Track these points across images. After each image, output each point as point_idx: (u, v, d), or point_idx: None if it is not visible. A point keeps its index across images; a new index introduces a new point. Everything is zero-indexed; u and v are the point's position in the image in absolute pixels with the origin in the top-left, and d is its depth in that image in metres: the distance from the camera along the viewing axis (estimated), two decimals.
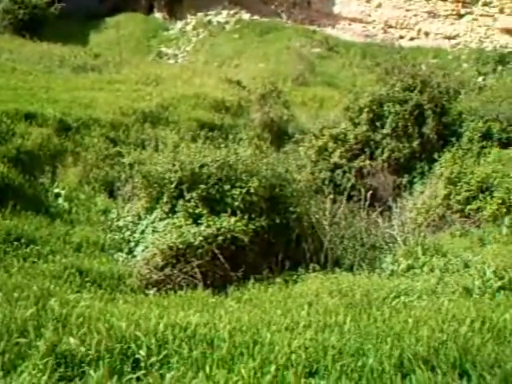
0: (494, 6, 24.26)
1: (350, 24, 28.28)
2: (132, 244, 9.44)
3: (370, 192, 12.19)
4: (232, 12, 30.39)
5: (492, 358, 4.26)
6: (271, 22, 29.51)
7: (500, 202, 12.07)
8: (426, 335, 4.58)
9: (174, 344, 4.41)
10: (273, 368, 4.09)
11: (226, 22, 30.13)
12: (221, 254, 8.26)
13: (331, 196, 10.90)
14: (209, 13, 31.42)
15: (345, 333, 4.81)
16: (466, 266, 7.85)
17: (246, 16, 30.07)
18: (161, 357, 4.22)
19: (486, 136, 14.09)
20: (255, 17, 29.92)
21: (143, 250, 8.96)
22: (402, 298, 6.30)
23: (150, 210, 9.60)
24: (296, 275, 8.26)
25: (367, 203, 11.52)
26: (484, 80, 21.42)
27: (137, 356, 4.20)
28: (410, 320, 5.04)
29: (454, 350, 4.30)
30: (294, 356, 4.29)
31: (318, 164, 14.21)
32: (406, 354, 4.29)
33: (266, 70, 23.58)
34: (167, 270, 8.25)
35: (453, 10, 25.27)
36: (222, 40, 29.17)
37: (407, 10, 26.51)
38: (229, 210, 8.77)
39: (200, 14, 31.68)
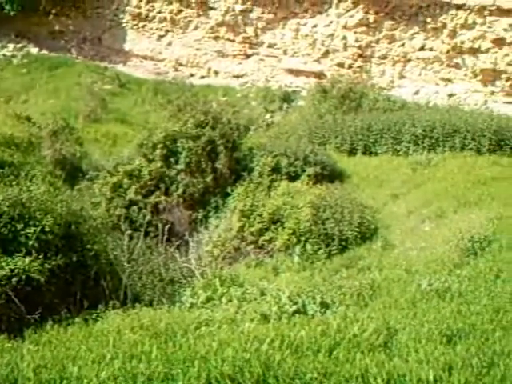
0: (278, 48, 25.66)
1: (141, 61, 28.48)
2: None
3: (167, 227, 12.32)
4: (19, 46, 29.41)
5: (292, 370, 4.54)
6: (61, 57, 28.92)
7: (291, 232, 12.73)
8: (231, 355, 4.75)
9: None
10: None
11: (13, 56, 29.09)
12: (15, 296, 7.90)
13: (128, 232, 10.86)
14: None
15: (152, 360, 4.84)
16: (263, 293, 8.17)
17: (34, 50, 29.22)
18: None
19: (275, 170, 14.83)
20: (44, 51, 29.17)
21: None
22: (203, 328, 6.41)
23: None
24: (96, 314, 8.09)
25: (164, 238, 11.62)
26: (271, 117, 22.53)
27: None
28: (215, 343, 5.18)
29: (258, 367, 4.52)
30: None
31: (113, 201, 14.08)
32: (214, 374, 4.42)
33: (56, 105, 23.01)
34: None
35: (240, 50, 26.38)
36: (9, 74, 28.07)
37: (197, 49, 27.25)
38: (23, 250, 8.42)
39: None
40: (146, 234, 12.21)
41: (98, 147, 19.07)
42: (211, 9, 26.44)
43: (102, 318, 7.91)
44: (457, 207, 12.26)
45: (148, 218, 13.68)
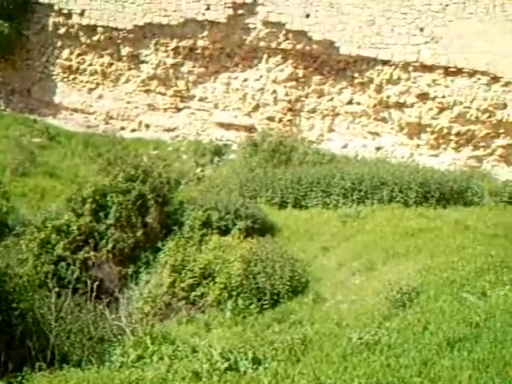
0: (209, 102, 25.91)
1: (71, 114, 28.27)
2: None
3: (96, 284, 12.07)
4: None
5: None
6: None
7: (222, 287, 12.66)
8: None
9: None
10: None
11: None
12: None
13: (56, 290, 10.59)
14: None
15: None
16: (194, 350, 8.07)
17: None
18: None
19: (206, 224, 14.80)
20: None
21: None
22: None
23: None
24: (21, 376, 7.82)
25: (94, 295, 11.38)
26: (202, 171, 22.60)
27: None
28: None
29: None
30: None
31: (40, 257, 13.71)
32: None
33: None
34: None
35: (171, 104, 26.52)
36: None
37: (128, 102, 27.26)
38: None
39: None
40: (75, 291, 11.94)
41: (25, 202, 18.70)
42: (142, 62, 26.58)
43: (27, 381, 7.66)
44: (386, 259, 12.46)
45: (77, 274, 13.38)
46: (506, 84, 21.95)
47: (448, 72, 22.39)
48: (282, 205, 17.83)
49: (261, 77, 24.83)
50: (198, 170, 22.65)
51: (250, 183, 18.53)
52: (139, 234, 14.49)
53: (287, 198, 17.92)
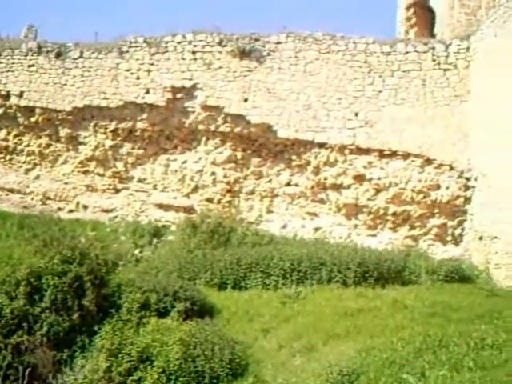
0: (148, 183, 25.88)
1: (7, 194, 27.80)
2: None
3: (29, 369, 11.66)
4: None
5: None
6: None
7: (160, 370, 12.39)
8: None
9: None
10: None
11: None
12: None
13: None
14: None
15: None
16: None
17: None
18: None
19: (144, 306, 14.56)
20: None
21: None
22: None
23: None
24: None
25: (25, 382, 10.97)
26: (141, 252, 22.33)
27: None
28: None
29: None
30: None
31: None
32: None
33: None
34: None
35: (110, 185, 26.37)
36: None
37: (66, 183, 27.00)
38: None
39: None
40: (6, 377, 11.50)
41: None
42: (81, 144, 26.50)
43: None
44: (326, 340, 12.46)
45: (8, 359, 12.91)
46: (439, 166, 22.68)
47: (383, 154, 23.02)
48: (222, 286, 17.73)
49: (200, 159, 25.03)
50: (137, 251, 22.39)
51: (189, 265, 18.44)
52: (75, 317, 14.15)
53: (227, 279, 17.85)
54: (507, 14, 20.32)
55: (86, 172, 26.60)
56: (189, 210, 24.97)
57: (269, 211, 24.54)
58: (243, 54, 23.82)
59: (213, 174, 24.82)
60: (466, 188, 22.61)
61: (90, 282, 14.61)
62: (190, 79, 24.27)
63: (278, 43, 23.85)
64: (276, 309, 15.45)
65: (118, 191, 26.41)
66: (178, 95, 24.47)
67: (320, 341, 12.51)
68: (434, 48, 23.17)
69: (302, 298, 16.05)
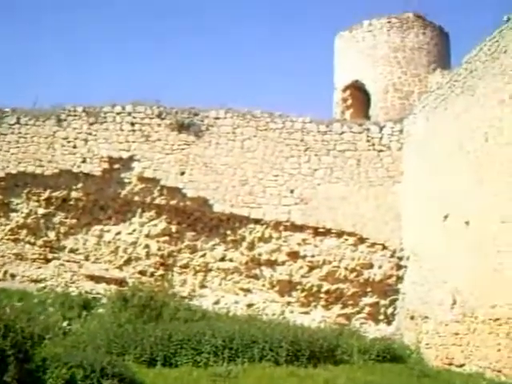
0: (80, 253, 25.37)
1: None
2: None
3: None
4: None
5: None
6: None
7: None
8: None
9: None
10: None
11: None
12: None
13: None
14: None
15: None
16: None
17: None
18: None
19: (70, 383, 14.03)
20: None
21: None
22: None
23: None
24: None
25: None
26: (69, 325, 21.65)
27: None
28: None
29: None
30: None
31: None
32: None
33: None
34: None
35: (40, 254, 25.74)
36: None
37: None
38: None
39: None
40: None
41: None
42: (13, 211, 25.89)
43: None
44: None
45: None
46: (372, 245, 23.04)
47: (317, 232, 23.28)
48: (151, 363, 17.25)
49: (134, 231, 24.76)
50: (65, 323, 21.70)
51: (119, 339, 17.93)
52: None
53: (156, 356, 17.39)
54: (438, 99, 21.13)
55: (16, 240, 25.92)
56: (120, 282, 24.53)
57: (202, 286, 24.33)
58: (182, 127, 24.02)
59: (147, 246, 24.55)
60: (399, 267, 22.99)
61: (14, 357, 13.99)
62: (128, 150, 24.24)
63: (217, 118, 24.17)
64: None
65: (48, 261, 25.78)
66: (115, 166, 24.36)
67: None
68: (368, 129, 23.89)
69: (233, 376, 15.75)
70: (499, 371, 16.02)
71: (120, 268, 24.89)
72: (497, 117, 17.13)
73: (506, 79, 16.75)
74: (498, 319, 16.36)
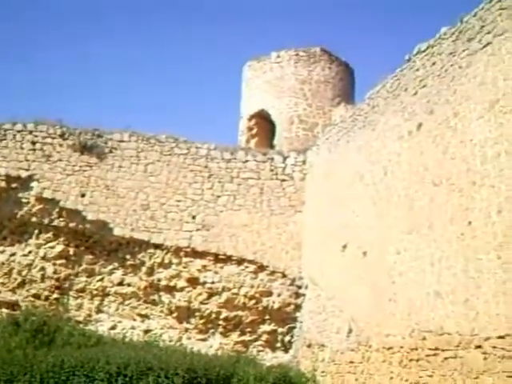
0: None
1: None
2: None
3: None
4: None
5: None
6: None
7: None
8: None
9: None
10: None
11: None
12: None
13: None
14: None
15: None
16: None
17: None
18: None
19: None
20: None
21: None
22: None
23: None
24: None
25: None
26: None
27: None
28: None
29: None
30: None
31: None
32: None
33: None
34: None
35: None
36: None
37: None
38: None
39: None
40: None
41: None
42: None
43: None
44: None
45: None
46: (272, 273, 23.21)
47: (218, 259, 23.24)
48: None
49: (30, 252, 23.91)
50: None
51: (7, 366, 17.22)
52: None
53: (47, 383, 16.82)
54: (341, 132, 21.64)
55: None
56: (13, 305, 23.61)
57: (99, 311, 23.74)
58: (84, 148, 23.53)
59: (42, 269, 23.76)
60: (297, 296, 23.22)
61: None
62: (27, 169, 23.48)
63: (121, 141, 23.85)
64: None
65: None
66: (13, 185, 23.53)
67: None
68: (272, 159, 24.17)
69: None
70: None
71: (13, 291, 23.95)
72: (396, 152, 17.67)
73: (406, 116, 17.33)
74: (391, 348, 16.72)
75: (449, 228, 14.77)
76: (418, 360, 15.44)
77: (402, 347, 16.18)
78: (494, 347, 12.74)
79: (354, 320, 18.98)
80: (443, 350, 14.45)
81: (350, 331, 19.16)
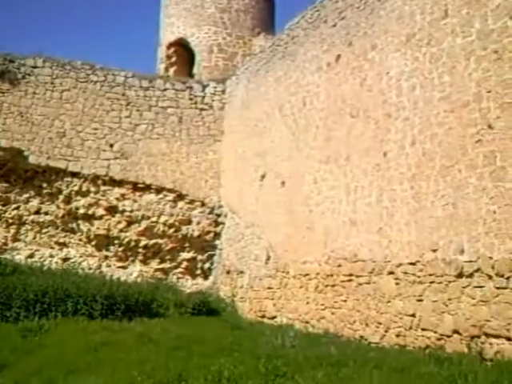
0: None
1: None
2: None
3: None
4: None
5: None
6: None
7: None
8: None
9: None
10: None
11: None
12: None
13: None
14: None
15: None
16: None
17: None
18: None
19: None
20: None
21: None
22: None
23: None
24: None
25: None
26: None
27: None
28: None
29: None
30: None
31: None
32: None
33: None
34: None
35: None
36: None
37: None
38: None
39: None
40: None
41: None
42: None
43: None
44: (66, 375, 12.05)
45: None
46: (191, 202, 23.38)
47: (136, 187, 23.18)
48: None
49: None
50: None
51: None
52: None
53: None
54: (260, 62, 21.63)
55: None
56: None
57: (15, 239, 23.42)
58: None
59: None
60: (216, 224, 23.55)
61: None
62: None
63: (35, 67, 23.10)
64: (15, 343, 14.68)
65: None
66: None
67: (61, 375, 12.08)
68: (191, 87, 24.02)
69: (45, 330, 15.43)
70: (307, 322, 16.99)
71: None
72: (314, 83, 17.86)
73: (325, 47, 17.47)
74: (307, 274, 17.27)
75: (364, 159, 15.19)
76: (333, 286, 16.05)
77: (318, 274, 16.75)
78: (406, 273, 13.39)
79: (273, 247, 19.44)
80: (357, 276, 15.07)
81: (268, 258, 19.64)
